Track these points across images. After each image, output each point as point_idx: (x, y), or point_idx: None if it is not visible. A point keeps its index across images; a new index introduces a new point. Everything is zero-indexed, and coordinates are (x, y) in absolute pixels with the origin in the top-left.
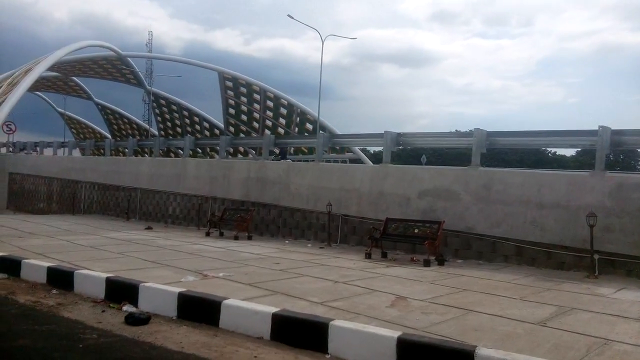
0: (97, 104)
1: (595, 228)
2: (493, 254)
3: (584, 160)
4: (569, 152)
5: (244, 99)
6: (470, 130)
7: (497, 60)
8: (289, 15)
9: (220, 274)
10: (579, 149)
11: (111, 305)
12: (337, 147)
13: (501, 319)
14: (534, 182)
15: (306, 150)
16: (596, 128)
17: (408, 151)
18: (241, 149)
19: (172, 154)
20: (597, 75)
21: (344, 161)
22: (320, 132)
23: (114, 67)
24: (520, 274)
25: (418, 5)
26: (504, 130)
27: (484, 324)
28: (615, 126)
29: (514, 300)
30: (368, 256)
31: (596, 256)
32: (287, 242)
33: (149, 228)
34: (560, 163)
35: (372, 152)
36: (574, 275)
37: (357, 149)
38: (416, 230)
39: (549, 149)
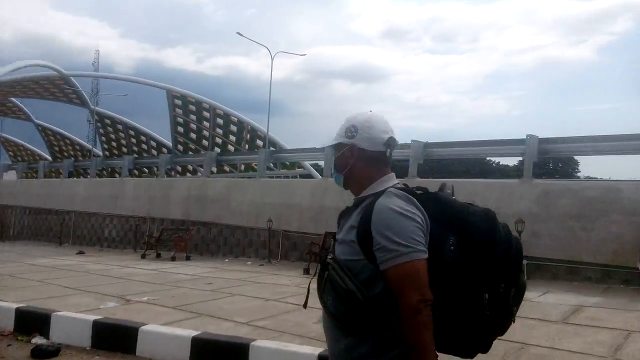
0: (37, 125)
1: (523, 234)
2: None
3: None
4: (512, 161)
5: (193, 117)
6: (408, 143)
7: (446, 76)
8: (238, 33)
9: (145, 298)
10: (521, 159)
11: (19, 337)
12: (287, 163)
13: None
14: (466, 191)
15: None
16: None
17: None
18: (190, 167)
19: (117, 175)
20: (540, 88)
21: (294, 177)
22: (262, 148)
23: (56, 87)
24: None
25: (370, 23)
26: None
27: None
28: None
29: None
30: (306, 272)
31: (525, 261)
32: (226, 260)
33: (80, 253)
34: (504, 172)
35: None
36: None
37: (307, 164)
38: None
39: (493, 160)
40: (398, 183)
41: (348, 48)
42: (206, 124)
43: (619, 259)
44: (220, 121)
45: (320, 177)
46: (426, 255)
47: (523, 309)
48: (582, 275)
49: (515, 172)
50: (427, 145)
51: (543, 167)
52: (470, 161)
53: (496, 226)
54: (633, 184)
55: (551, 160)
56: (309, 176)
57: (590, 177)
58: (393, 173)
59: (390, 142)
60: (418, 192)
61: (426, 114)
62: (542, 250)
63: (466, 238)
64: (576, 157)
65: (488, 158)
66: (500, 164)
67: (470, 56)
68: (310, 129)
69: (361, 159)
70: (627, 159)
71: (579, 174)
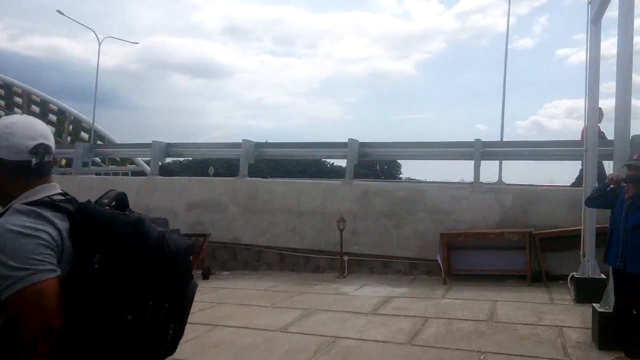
0: None
1: (344, 232)
2: (258, 262)
3: (357, 170)
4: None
5: (1, 102)
6: (239, 142)
7: (286, 78)
8: (58, 11)
9: None
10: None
11: None
12: (118, 159)
13: (245, 330)
14: (295, 191)
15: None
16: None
17: (197, 163)
18: None
19: None
20: (369, 96)
21: (125, 174)
22: (84, 141)
23: None
24: (279, 281)
25: (211, 17)
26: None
27: (226, 339)
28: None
29: (265, 309)
30: None
31: (345, 257)
32: None
33: None
34: (338, 173)
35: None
36: (327, 276)
37: (140, 160)
38: None
39: (328, 161)
40: (57, 194)
41: (189, 41)
42: (18, 111)
43: (423, 252)
44: (36, 109)
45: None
46: (55, 274)
47: (340, 304)
48: (393, 268)
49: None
50: (258, 145)
51: (371, 169)
52: (307, 161)
53: (144, 238)
54: (435, 186)
55: (378, 162)
56: (142, 173)
57: (411, 179)
58: (53, 183)
59: (40, 150)
60: (64, 204)
61: (267, 114)
62: (360, 246)
63: (112, 253)
64: (399, 161)
65: (323, 159)
66: (335, 164)
67: (307, 61)
68: (147, 123)
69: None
70: (437, 164)
71: (401, 176)
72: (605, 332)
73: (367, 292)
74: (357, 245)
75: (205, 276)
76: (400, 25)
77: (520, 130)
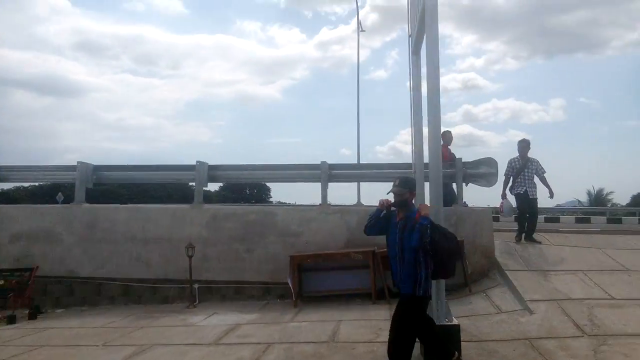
0: None
1: (194, 258)
2: (98, 297)
3: (226, 195)
4: (214, 186)
5: None
6: (74, 165)
7: (149, 99)
8: None
9: None
10: (222, 184)
11: None
12: None
13: None
14: (140, 217)
15: None
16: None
17: (46, 189)
18: None
19: None
20: (239, 119)
21: None
22: None
23: None
24: (121, 315)
25: (59, 30)
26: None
27: None
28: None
29: (95, 348)
30: None
31: (196, 285)
32: None
33: None
34: (206, 197)
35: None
36: (176, 307)
37: None
38: (2, 282)
39: (190, 183)
40: None
41: (32, 55)
42: None
43: (276, 276)
44: None
45: None
46: None
47: (183, 336)
48: (247, 294)
49: (216, 197)
50: (96, 168)
51: (240, 193)
52: (174, 185)
53: None
54: (285, 209)
55: (248, 186)
56: None
57: (281, 202)
58: None
59: None
60: None
61: (130, 137)
62: (212, 273)
63: None
64: (268, 184)
65: (190, 183)
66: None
67: (172, 81)
68: None
69: None
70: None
71: (271, 199)
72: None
73: (214, 321)
74: (209, 271)
75: (32, 316)
76: (266, 51)
77: (380, 154)
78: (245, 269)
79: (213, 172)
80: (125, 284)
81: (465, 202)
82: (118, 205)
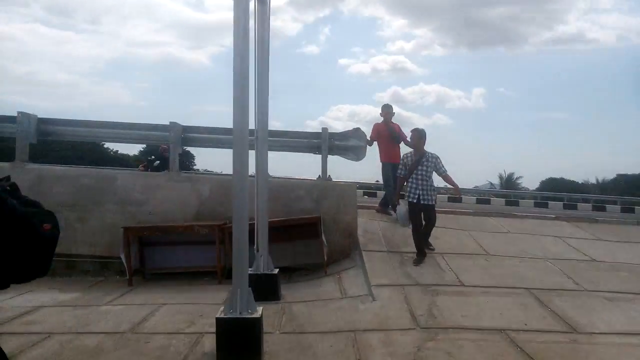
0: None
1: None
2: None
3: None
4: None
5: None
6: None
7: (64, 54)
8: None
9: None
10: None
11: None
12: None
13: None
14: None
15: None
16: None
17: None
18: None
19: None
20: (165, 83)
21: None
22: None
23: None
24: None
25: None
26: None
27: None
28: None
29: None
30: None
31: None
32: None
33: None
34: (122, 161)
35: None
36: None
37: None
38: None
39: (111, 148)
40: None
41: None
42: None
43: (114, 249)
44: None
45: None
46: None
47: None
48: (79, 269)
49: (136, 162)
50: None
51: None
52: (86, 147)
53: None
54: (127, 173)
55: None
56: None
57: (208, 171)
58: None
59: None
60: None
61: (42, 92)
62: None
63: None
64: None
65: (106, 146)
66: (119, 152)
67: (90, 37)
68: None
69: None
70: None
71: (195, 167)
72: (223, 342)
73: (17, 302)
74: None
75: None
76: (194, 15)
77: (310, 129)
78: (76, 241)
79: (44, 126)
80: None
81: (329, 175)
82: None
